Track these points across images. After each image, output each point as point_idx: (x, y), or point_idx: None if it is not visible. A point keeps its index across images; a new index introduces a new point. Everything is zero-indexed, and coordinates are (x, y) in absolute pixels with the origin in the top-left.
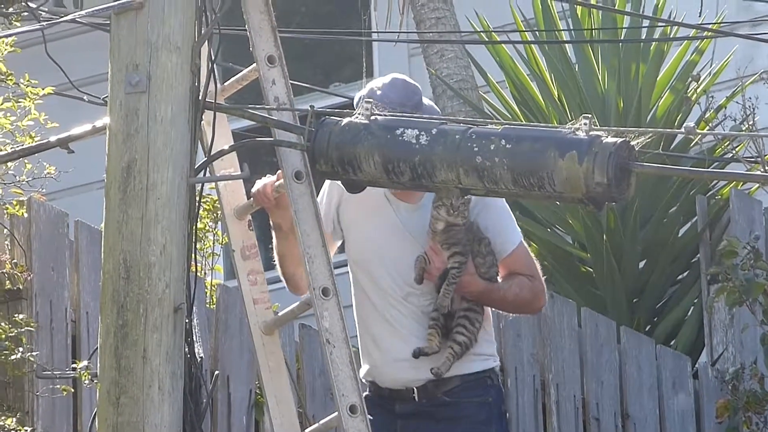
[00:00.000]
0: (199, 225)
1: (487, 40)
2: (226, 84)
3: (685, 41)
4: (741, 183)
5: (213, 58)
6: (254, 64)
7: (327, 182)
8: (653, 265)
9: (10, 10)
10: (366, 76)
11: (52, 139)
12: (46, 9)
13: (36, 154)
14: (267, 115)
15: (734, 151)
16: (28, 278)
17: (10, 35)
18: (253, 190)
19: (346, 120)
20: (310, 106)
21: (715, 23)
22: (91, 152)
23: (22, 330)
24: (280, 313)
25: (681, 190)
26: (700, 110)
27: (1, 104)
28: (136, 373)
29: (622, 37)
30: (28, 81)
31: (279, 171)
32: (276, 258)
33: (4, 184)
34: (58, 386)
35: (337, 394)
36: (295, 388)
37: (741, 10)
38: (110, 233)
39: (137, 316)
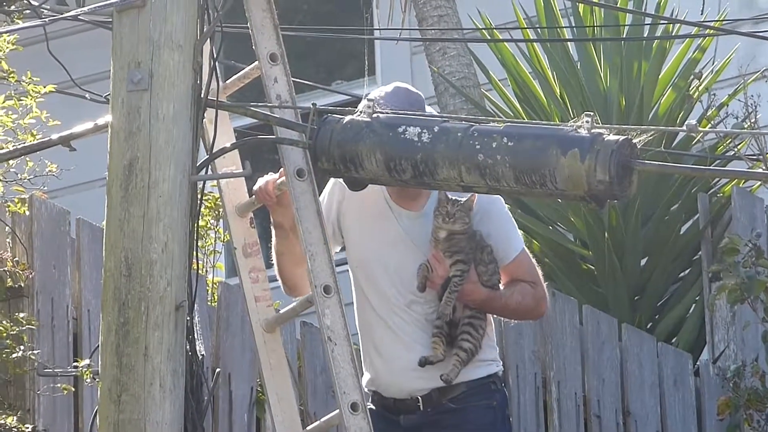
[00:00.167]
0: (201, 223)
1: (489, 37)
2: (228, 82)
3: (688, 39)
4: (743, 181)
5: (215, 55)
6: (256, 62)
7: (327, 187)
8: (655, 262)
9: (12, 7)
10: (368, 74)
11: (54, 136)
12: (48, 6)
13: (38, 152)
14: (269, 113)
15: (736, 149)
16: (30, 276)
17: (12, 32)
18: (255, 187)
19: (348, 118)
20: (312, 104)
21: (717, 21)
22: (93, 150)
23: (24, 328)
24: (281, 311)
25: (683, 188)
26: (702, 108)
27: (3, 102)
28: (138, 371)
29: (624, 35)
30: (30, 79)
31: (281, 169)
32: (274, 257)
33: (6, 181)
34: (60, 384)
35: (338, 392)
36: (297, 386)
37: (743, 7)
38: (112, 231)
39: (139, 313)
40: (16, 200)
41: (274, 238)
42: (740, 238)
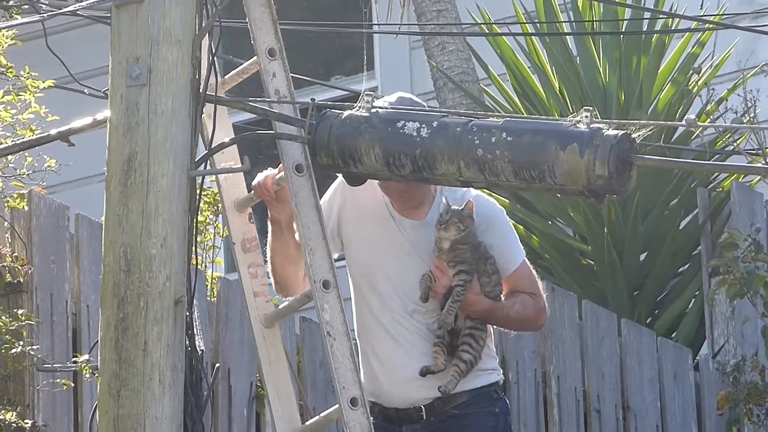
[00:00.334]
0: (200, 218)
1: (488, 32)
2: (226, 77)
3: (687, 33)
4: (742, 175)
5: (214, 51)
6: (255, 57)
7: (327, 192)
8: (654, 257)
9: (11, 2)
10: (367, 69)
11: (53, 132)
12: (47, 1)
13: (36, 147)
14: (268, 108)
15: (735, 144)
16: (29, 271)
17: (11, 27)
18: (254, 182)
19: (347, 113)
20: (311, 99)
21: (716, 15)
22: (92, 145)
23: (23, 323)
24: (280, 306)
25: (682, 183)
26: (701, 103)
27: (2, 97)
28: (137, 366)
29: (623, 30)
30: (28, 74)
31: (280, 164)
32: (268, 253)
33: (5, 177)
34: (59, 380)
35: (337, 387)
36: (296, 381)
37: (742, 2)
38: (111, 226)
39: (138, 309)
40: (15, 195)
41: (269, 235)
42: (740, 233)
